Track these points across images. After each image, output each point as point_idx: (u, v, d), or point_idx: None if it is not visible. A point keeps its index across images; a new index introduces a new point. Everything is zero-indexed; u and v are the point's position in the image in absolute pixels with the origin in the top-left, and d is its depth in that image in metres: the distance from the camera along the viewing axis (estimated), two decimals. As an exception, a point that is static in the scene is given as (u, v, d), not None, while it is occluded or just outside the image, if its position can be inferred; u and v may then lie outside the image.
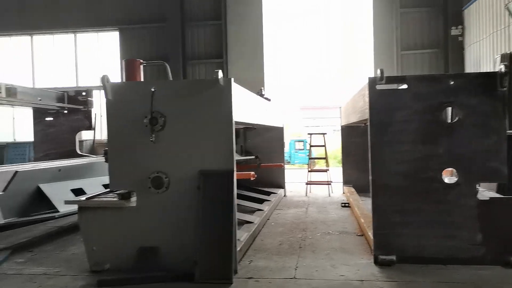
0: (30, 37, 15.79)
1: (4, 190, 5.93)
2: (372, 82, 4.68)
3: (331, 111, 46.72)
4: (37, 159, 10.16)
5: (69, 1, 15.14)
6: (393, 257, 4.50)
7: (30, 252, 5.39)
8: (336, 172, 10.74)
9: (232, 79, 4.51)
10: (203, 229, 4.23)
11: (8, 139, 15.25)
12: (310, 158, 11.00)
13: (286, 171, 10.01)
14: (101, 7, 15.07)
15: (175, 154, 4.51)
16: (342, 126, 10.07)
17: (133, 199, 4.51)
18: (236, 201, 4.48)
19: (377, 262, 4.55)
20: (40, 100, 9.55)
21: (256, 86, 9.65)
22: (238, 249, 4.56)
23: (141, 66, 10.49)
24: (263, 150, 9.39)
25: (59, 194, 6.71)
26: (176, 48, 14.70)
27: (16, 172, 6.31)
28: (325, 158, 10.41)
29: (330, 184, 9.78)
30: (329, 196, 9.44)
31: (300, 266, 4.58)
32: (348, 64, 48.13)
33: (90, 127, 10.76)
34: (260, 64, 14.50)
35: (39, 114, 10.40)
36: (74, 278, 4.36)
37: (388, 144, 4.62)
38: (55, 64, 15.83)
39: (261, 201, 7.83)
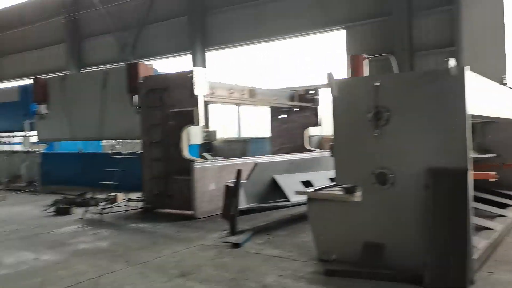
0: (268, 43, 17.74)
1: (247, 179, 6.84)
2: None
3: None
4: (273, 152, 11.36)
5: (301, 7, 16.32)
6: None
7: (267, 235, 6.05)
8: None
9: (466, 68, 4.04)
10: (433, 231, 3.94)
11: (251, 134, 17.50)
12: None
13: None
14: (329, 10, 15.72)
15: (400, 150, 4.34)
16: None
17: (358, 193, 4.54)
18: (472, 203, 4.01)
19: None
20: (275, 99, 10.63)
21: (497, 74, 8.40)
22: (475, 257, 4.07)
23: (366, 61, 10.48)
24: (507, 148, 8.09)
25: (290, 185, 7.33)
26: (401, 40, 14.13)
27: (256, 163, 7.18)
28: None
29: None
30: None
31: (558, 287, 3.78)
32: None
33: (317, 123, 11.39)
34: (501, 49, 12.56)
35: (274, 112, 11.60)
36: (304, 264, 4.69)
37: None
38: (287, 65, 17.36)
39: (503, 205, 6.78)
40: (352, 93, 4.67)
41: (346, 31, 15.56)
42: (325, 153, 9.87)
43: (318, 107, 11.34)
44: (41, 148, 13.93)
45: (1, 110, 14.62)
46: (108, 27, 21.71)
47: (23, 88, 14.07)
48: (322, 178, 7.65)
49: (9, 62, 26.97)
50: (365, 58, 10.23)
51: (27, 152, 13.95)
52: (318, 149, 11.64)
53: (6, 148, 16.00)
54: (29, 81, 12.92)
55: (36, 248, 5.72)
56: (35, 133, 12.85)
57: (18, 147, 15.72)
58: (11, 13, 26.39)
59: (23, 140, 14.74)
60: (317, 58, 16.54)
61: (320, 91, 11.85)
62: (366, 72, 10.17)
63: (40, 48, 24.96)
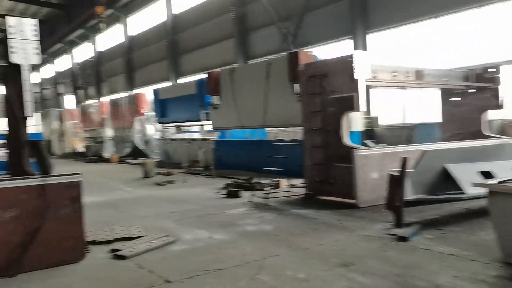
0: (435, 20, 16.14)
1: (414, 167, 6.32)
2: None
3: None
4: (444, 139, 10.34)
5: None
6: None
7: (439, 230, 5.50)
8: None
9: None
10: None
11: (418, 120, 16.25)
12: None
13: None
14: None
15: None
16: None
17: (558, 188, 3.75)
18: None
19: None
20: (446, 80, 9.61)
21: None
22: None
23: None
24: None
25: (465, 176, 6.54)
26: None
27: (425, 151, 6.59)
28: None
29: None
30: None
31: None
32: None
33: (498, 105, 9.95)
34: None
35: (446, 95, 10.52)
36: (484, 266, 4.11)
37: None
38: (458, 42, 15.54)
39: None
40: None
41: (537, -4, 13.16)
42: (509, 140, 8.59)
43: (499, 87, 9.88)
44: (215, 136, 15.38)
45: (181, 103, 16.61)
46: (271, 18, 22.61)
47: (199, 82, 15.68)
48: (505, 169, 6.65)
49: (188, 59, 30.38)
50: None
51: (204, 139, 15.56)
52: (499, 136, 10.17)
53: (186, 136, 18.16)
54: (204, 75, 14.31)
55: (209, 227, 6.28)
56: (210, 122, 14.25)
57: (196, 135, 17.67)
58: (188, 15, 29.62)
59: (200, 128, 16.51)
60: (496, 32, 14.37)
61: (502, 68, 10.28)
62: None
63: (213, 44, 27.43)
